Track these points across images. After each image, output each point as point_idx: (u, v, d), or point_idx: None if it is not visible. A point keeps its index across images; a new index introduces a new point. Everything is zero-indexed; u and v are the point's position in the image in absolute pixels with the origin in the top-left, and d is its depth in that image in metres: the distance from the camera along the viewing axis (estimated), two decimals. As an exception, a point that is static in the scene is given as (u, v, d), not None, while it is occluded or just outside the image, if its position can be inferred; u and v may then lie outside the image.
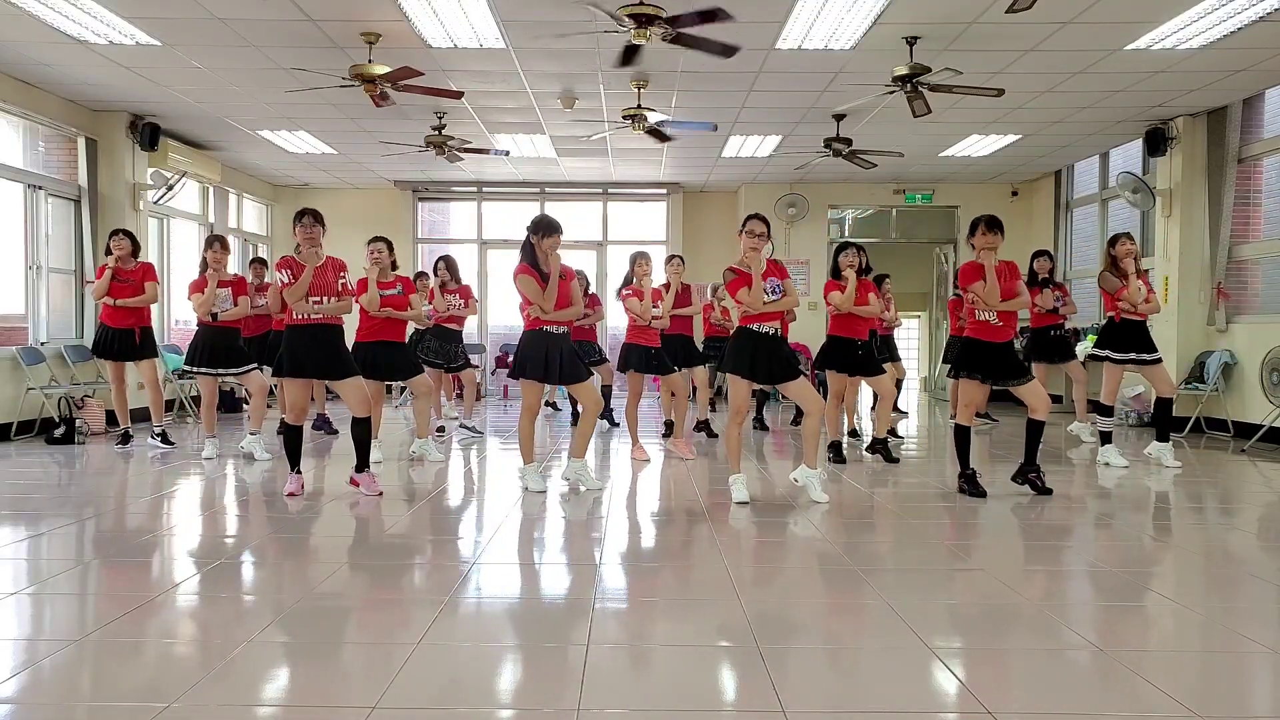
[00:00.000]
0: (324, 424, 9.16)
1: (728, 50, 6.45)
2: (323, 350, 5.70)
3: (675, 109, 9.35)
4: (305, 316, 5.67)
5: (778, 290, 5.54)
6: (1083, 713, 2.63)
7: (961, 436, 5.96)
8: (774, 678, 2.83)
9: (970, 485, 5.87)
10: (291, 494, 5.73)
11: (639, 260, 7.73)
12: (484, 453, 8.11)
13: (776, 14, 6.77)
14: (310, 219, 5.75)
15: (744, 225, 5.61)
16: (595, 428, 6.27)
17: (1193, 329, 9.67)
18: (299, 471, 5.84)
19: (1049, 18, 6.71)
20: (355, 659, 3.07)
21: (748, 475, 5.82)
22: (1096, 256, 11.97)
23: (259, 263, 9.86)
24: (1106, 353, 7.11)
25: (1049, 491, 5.86)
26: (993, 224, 5.76)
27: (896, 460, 7.38)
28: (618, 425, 9.80)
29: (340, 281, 5.77)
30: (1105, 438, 7.28)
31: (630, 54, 6.54)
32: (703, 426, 9.07)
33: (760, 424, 9.76)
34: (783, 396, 10.41)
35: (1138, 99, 9.03)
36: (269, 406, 10.29)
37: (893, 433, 9.14)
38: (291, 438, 5.83)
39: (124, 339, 7.78)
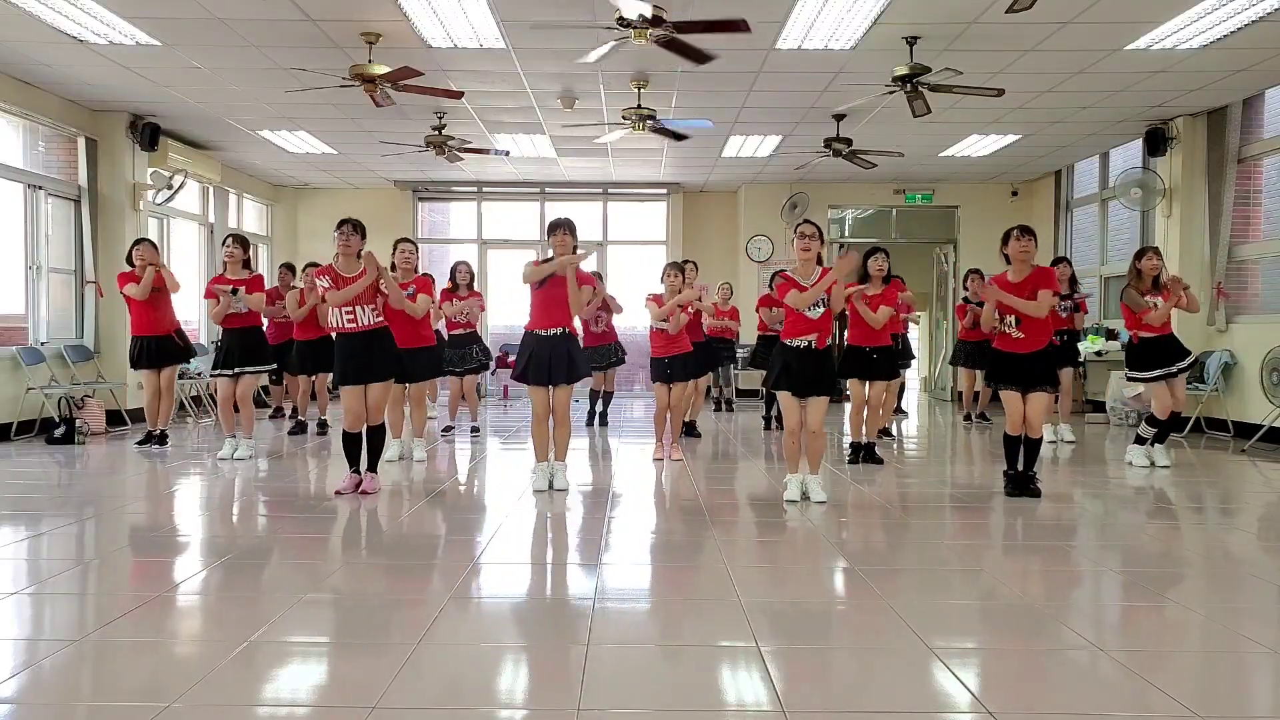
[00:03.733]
0: (325, 426, 9.16)
1: (704, 57, 6.57)
2: (370, 354, 5.85)
3: (675, 109, 9.35)
4: (343, 325, 5.82)
5: (821, 303, 5.50)
6: (1083, 713, 2.63)
7: (1010, 445, 5.90)
8: (774, 678, 2.83)
9: (1013, 484, 5.88)
10: (338, 492, 5.85)
11: (668, 271, 7.62)
12: (482, 453, 8.11)
13: (776, 14, 6.77)
14: (349, 227, 5.86)
15: (795, 229, 5.67)
16: (577, 428, 6.30)
17: (1193, 329, 9.64)
18: (357, 471, 5.94)
19: (1049, 18, 6.71)
20: (355, 659, 3.07)
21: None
22: (1097, 257, 11.99)
23: (287, 268, 9.86)
24: (1136, 374, 7.02)
25: (1037, 494, 5.83)
26: (1025, 230, 5.80)
27: (881, 461, 7.29)
28: (607, 425, 9.93)
29: (382, 285, 5.86)
30: (1139, 439, 7.16)
31: (683, 50, 6.51)
32: (689, 427, 9.08)
33: (769, 423, 9.80)
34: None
35: (1138, 99, 9.03)
36: (279, 407, 10.32)
37: (885, 431, 9.14)
38: (349, 442, 5.93)
39: (160, 345, 7.78)
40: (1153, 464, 7.06)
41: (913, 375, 14.78)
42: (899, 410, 11.33)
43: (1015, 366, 5.79)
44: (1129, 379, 7.42)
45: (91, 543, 4.77)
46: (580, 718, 2.55)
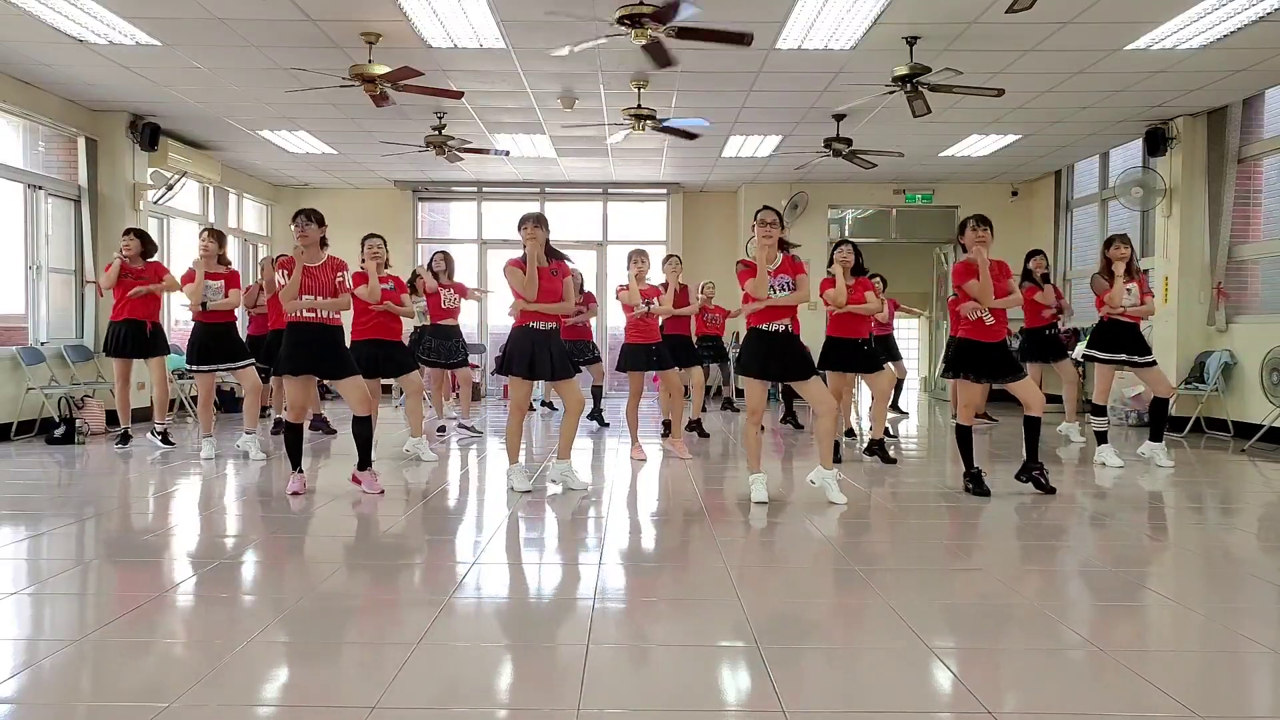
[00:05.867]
0: (321, 424, 9.14)
1: (742, 38, 6.25)
2: (323, 348, 5.72)
3: (675, 109, 9.35)
4: (302, 314, 5.69)
5: (787, 286, 5.49)
6: (1083, 713, 2.63)
7: (963, 437, 5.98)
8: (774, 678, 2.83)
9: (975, 484, 5.90)
10: (294, 493, 5.77)
11: (635, 257, 7.80)
12: (483, 452, 8.11)
13: (776, 14, 6.77)
14: (304, 218, 5.78)
15: (755, 216, 5.56)
16: (579, 428, 6.31)
17: (1193, 329, 9.67)
18: (300, 471, 5.87)
19: (1049, 18, 6.72)
20: (355, 659, 3.07)
21: (745, 473, 5.82)
22: (1097, 256, 11.97)
23: (271, 263, 9.87)
24: (1095, 353, 7.17)
25: (1052, 490, 5.88)
26: (981, 220, 5.80)
27: (894, 461, 7.40)
28: (608, 426, 9.87)
29: (338, 279, 5.78)
30: (1100, 437, 7.31)
31: (656, 53, 6.42)
32: (694, 426, 9.08)
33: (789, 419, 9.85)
34: (780, 395, 10.45)
35: (1138, 99, 9.02)
36: (266, 407, 10.30)
37: (888, 433, 9.15)
38: (292, 437, 5.86)
39: (137, 333, 7.72)
40: (1117, 463, 7.07)
41: (912, 375, 14.80)
42: (898, 410, 11.34)
43: (985, 356, 5.80)
44: (1083, 355, 7.52)
45: (91, 543, 4.77)
46: (580, 718, 2.55)
